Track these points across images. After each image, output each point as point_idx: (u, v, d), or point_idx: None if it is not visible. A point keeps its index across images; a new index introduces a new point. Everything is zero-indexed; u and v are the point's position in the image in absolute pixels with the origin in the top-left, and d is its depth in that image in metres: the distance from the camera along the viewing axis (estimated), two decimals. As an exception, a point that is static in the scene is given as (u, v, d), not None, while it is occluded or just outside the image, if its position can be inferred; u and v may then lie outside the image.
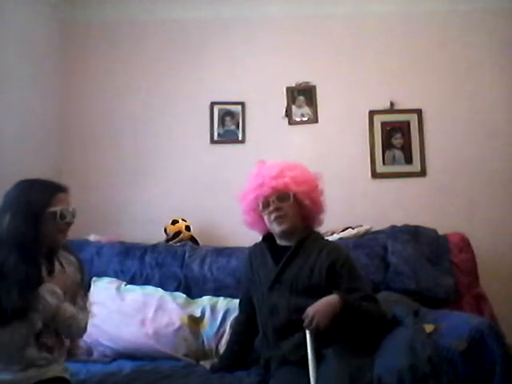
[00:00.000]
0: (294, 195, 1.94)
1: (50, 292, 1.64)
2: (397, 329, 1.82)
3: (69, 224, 1.74)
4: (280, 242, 2.01)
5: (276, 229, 1.96)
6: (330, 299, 1.73)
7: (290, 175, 1.95)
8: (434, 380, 1.57)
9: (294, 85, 3.12)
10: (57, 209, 1.67)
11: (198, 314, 2.38)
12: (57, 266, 1.75)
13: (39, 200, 1.67)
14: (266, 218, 1.98)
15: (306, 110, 3.11)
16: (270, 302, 1.90)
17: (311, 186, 1.99)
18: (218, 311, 2.38)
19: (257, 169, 2.05)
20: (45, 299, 1.61)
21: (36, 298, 1.60)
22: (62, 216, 1.69)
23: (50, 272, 1.71)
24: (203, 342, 2.32)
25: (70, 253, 1.85)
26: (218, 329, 2.33)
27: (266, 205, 1.95)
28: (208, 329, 2.34)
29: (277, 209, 1.92)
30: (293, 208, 1.94)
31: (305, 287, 1.85)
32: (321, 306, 1.71)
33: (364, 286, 1.89)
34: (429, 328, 1.83)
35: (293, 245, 1.95)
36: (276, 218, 1.93)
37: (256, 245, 2.11)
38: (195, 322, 2.36)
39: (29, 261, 1.62)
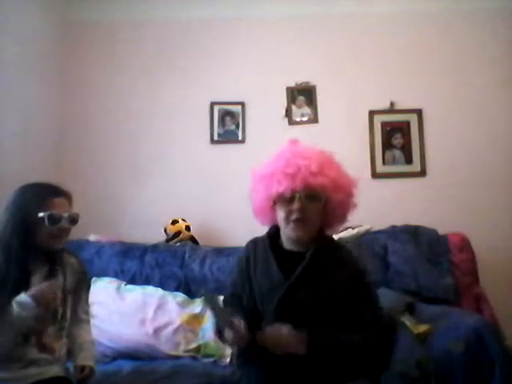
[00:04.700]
0: (326, 199, 1.60)
1: (18, 303, 1.53)
2: None
3: (63, 229, 1.67)
4: (287, 245, 1.67)
5: (290, 233, 1.61)
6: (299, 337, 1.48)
7: (331, 176, 1.60)
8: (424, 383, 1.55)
9: (294, 85, 3.12)
10: (44, 214, 1.62)
11: (198, 310, 2.39)
12: (55, 271, 1.71)
13: (30, 205, 1.63)
14: (280, 211, 1.60)
15: (306, 109, 3.11)
16: (272, 320, 1.56)
17: (348, 194, 1.65)
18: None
19: (289, 153, 1.63)
20: (13, 310, 1.53)
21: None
22: (52, 221, 1.62)
23: (49, 277, 1.68)
24: (203, 336, 2.31)
25: (73, 257, 1.82)
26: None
27: (290, 199, 1.58)
28: (208, 323, 2.33)
29: (301, 210, 1.56)
30: (317, 213, 1.60)
31: (318, 308, 1.57)
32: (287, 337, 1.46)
33: (368, 312, 1.57)
34: (423, 328, 1.82)
35: (307, 255, 1.60)
36: (295, 221, 1.57)
37: (256, 243, 1.73)
38: (196, 318, 2.36)
39: (15, 265, 1.59)
